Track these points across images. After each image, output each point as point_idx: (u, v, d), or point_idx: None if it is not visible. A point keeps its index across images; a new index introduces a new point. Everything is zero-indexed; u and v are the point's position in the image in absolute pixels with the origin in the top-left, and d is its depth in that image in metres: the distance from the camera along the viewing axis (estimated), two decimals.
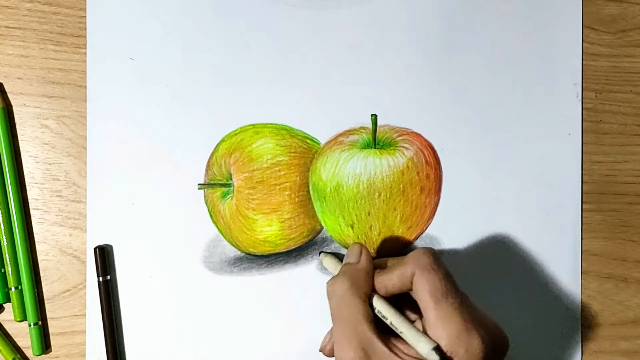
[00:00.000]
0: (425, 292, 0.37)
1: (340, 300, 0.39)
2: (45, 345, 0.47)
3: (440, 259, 0.39)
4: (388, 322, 0.39)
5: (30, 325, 0.46)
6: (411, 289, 0.39)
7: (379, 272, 0.40)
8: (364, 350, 0.37)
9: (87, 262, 0.47)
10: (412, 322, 0.39)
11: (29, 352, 0.47)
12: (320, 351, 0.43)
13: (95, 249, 0.46)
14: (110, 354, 0.46)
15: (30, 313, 0.46)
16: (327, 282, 0.41)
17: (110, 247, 0.47)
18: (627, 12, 0.50)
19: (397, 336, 0.38)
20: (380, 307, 0.39)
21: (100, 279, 0.46)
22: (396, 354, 0.36)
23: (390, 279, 0.39)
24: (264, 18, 0.48)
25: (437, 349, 0.36)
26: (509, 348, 0.39)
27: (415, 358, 0.36)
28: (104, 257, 0.46)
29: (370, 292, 0.40)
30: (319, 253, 0.47)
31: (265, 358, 0.48)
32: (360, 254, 0.42)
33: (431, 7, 0.49)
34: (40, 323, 0.46)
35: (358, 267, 0.41)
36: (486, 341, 0.36)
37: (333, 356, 0.42)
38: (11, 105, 0.47)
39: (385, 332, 0.38)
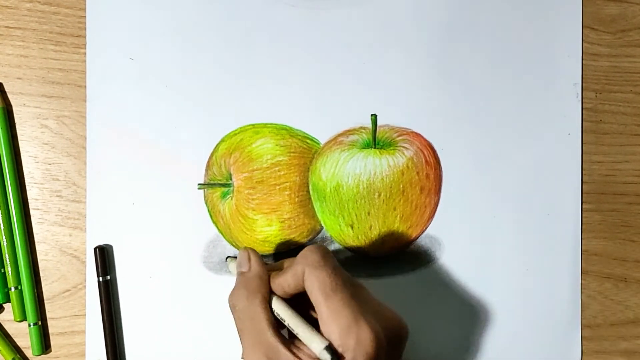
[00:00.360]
0: (315, 289, 0.37)
1: (241, 313, 0.39)
2: (45, 345, 0.47)
3: (329, 255, 0.39)
4: (286, 324, 0.39)
5: (30, 325, 0.46)
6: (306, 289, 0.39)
7: (275, 274, 0.40)
8: (269, 358, 0.37)
9: (87, 262, 0.47)
10: (315, 320, 0.39)
11: (28, 352, 0.47)
12: None
13: (95, 249, 0.46)
14: (110, 354, 0.46)
15: (30, 313, 0.46)
16: (228, 298, 0.40)
17: (110, 247, 0.47)
18: (627, 12, 0.50)
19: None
20: (278, 309, 0.39)
21: (100, 279, 0.46)
22: (299, 358, 0.36)
23: (285, 280, 0.39)
24: (264, 18, 0.48)
25: (329, 347, 0.36)
26: (409, 336, 0.39)
27: (316, 359, 0.36)
28: (104, 257, 0.46)
29: (269, 295, 0.40)
30: (226, 258, 0.47)
31: None
32: (249, 260, 0.41)
33: (431, 7, 0.49)
34: (40, 323, 0.46)
35: (250, 274, 0.40)
36: (377, 331, 0.36)
37: None
38: (11, 105, 0.47)
39: (290, 335, 0.38)
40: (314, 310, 0.39)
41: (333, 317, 0.36)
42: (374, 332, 0.36)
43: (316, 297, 0.37)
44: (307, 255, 0.39)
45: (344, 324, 0.36)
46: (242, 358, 0.39)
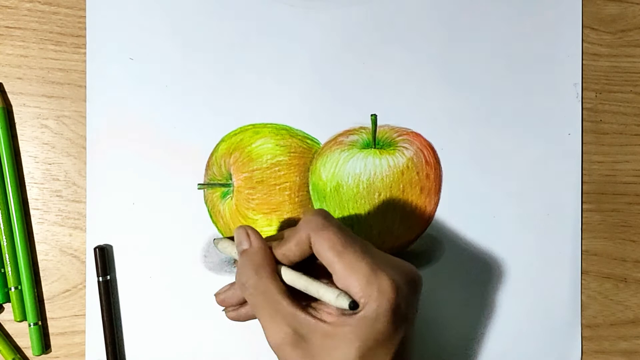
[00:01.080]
0: (325, 249, 0.37)
1: (252, 289, 0.38)
2: (45, 345, 0.47)
3: (330, 216, 0.39)
4: (301, 288, 0.38)
5: (30, 325, 0.46)
6: (311, 253, 0.39)
7: (277, 244, 0.40)
8: (290, 326, 0.37)
9: (87, 262, 0.47)
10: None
11: (28, 352, 0.47)
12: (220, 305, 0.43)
13: (95, 249, 0.46)
14: (110, 354, 0.46)
15: (30, 313, 0.46)
16: (236, 279, 0.40)
17: (110, 247, 0.47)
18: (627, 12, 0.50)
19: (317, 299, 0.38)
20: (288, 277, 0.39)
21: (100, 279, 0.46)
22: (320, 319, 0.36)
23: (289, 249, 0.39)
24: (263, 18, 0.48)
25: (345, 294, 0.36)
26: (422, 284, 0.39)
27: (337, 314, 0.37)
28: (104, 257, 0.46)
29: (276, 266, 0.39)
30: (213, 240, 0.45)
31: (265, 358, 0.48)
32: (248, 236, 0.41)
33: (431, 7, 0.49)
34: (40, 323, 0.46)
35: (253, 250, 0.40)
36: (396, 279, 0.36)
37: (221, 305, 0.43)
38: (11, 105, 0.47)
39: (305, 300, 0.38)
40: (322, 276, 0.39)
41: (349, 271, 0.36)
42: (393, 280, 0.36)
43: (328, 257, 0.37)
44: (310, 220, 0.39)
45: (362, 277, 0.36)
46: (267, 341, 0.38)
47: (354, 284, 0.36)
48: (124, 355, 0.47)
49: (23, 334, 0.47)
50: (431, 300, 0.48)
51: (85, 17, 0.47)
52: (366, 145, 0.48)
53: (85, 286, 0.47)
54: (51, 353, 0.47)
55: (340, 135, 0.48)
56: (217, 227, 0.47)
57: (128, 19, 0.47)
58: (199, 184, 0.47)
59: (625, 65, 0.50)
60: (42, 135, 0.47)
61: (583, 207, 0.50)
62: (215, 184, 0.47)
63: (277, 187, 0.47)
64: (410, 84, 0.48)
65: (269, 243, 0.40)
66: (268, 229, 0.47)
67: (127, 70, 0.47)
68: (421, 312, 0.48)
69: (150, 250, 0.47)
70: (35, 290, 0.46)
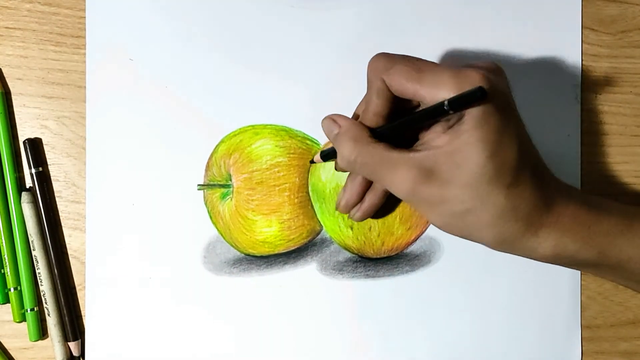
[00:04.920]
0: (403, 82, 0.37)
1: (361, 157, 0.38)
2: (42, 331, 0.47)
3: (391, 54, 0.39)
4: (404, 128, 0.39)
5: (27, 311, 0.46)
6: (395, 97, 0.39)
7: (361, 112, 0.41)
8: (414, 167, 0.36)
9: (87, 263, 0.47)
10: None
11: (28, 353, 0.47)
12: (336, 209, 0.44)
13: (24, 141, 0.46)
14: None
15: (28, 307, 0.46)
16: (339, 162, 0.40)
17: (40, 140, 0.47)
18: (627, 13, 0.50)
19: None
20: (386, 130, 0.39)
21: (33, 170, 0.46)
22: (436, 146, 0.37)
23: (374, 105, 0.39)
24: (263, 18, 0.48)
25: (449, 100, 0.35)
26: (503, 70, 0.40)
27: (447, 133, 0.36)
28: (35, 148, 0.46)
29: (370, 131, 0.39)
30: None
31: (265, 358, 0.48)
32: (335, 121, 0.41)
33: (431, 8, 0.49)
34: (36, 309, 0.46)
35: (344, 128, 0.40)
36: (479, 70, 0.36)
37: (347, 211, 0.43)
38: (10, 93, 0.47)
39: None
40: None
41: (437, 85, 0.36)
42: (479, 71, 0.36)
43: (409, 88, 0.37)
44: (375, 66, 0.39)
45: (450, 81, 0.36)
46: (397, 196, 0.38)
47: (446, 95, 0.36)
48: (123, 355, 0.47)
49: (22, 335, 0.47)
50: (430, 301, 0.48)
51: (85, 17, 0.47)
52: None
53: (85, 286, 0.47)
54: (51, 353, 0.47)
55: None
56: (216, 227, 0.48)
57: (128, 19, 0.47)
58: (198, 185, 0.47)
59: (625, 66, 0.50)
60: (42, 136, 0.47)
61: None
62: (215, 184, 0.47)
63: (277, 188, 0.47)
64: None
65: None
66: (268, 230, 0.47)
67: (127, 71, 0.47)
68: (421, 313, 0.48)
69: (150, 251, 0.47)
70: (35, 291, 0.47)
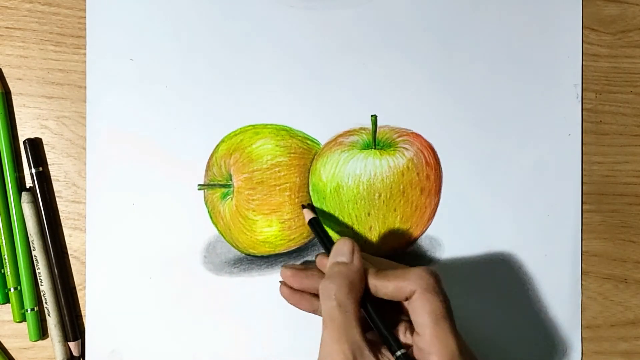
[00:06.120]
0: (425, 311, 0.38)
1: (336, 304, 0.39)
2: (42, 331, 0.47)
3: (441, 283, 0.39)
4: (374, 325, 0.39)
5: (27, 311, 0.46)
6: (401, 300, 0.39)
7: (374, 273, 0.40)
8: (351, 354, 0.37)
9: (87, 263, 0.47)
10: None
11: (27, 353, 0.47)
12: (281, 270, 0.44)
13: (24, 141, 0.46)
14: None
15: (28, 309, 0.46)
16: (321, 285, 0.40)
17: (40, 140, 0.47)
18: (627, 13, 0.50)
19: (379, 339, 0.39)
20: (371, 310, 0.40)
21: (33, 170, 0.46)
22: None
23: (385, 286, 0.39)
24: (264, 18, 0.48)
25: (406, 355, 0.38)
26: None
27: None
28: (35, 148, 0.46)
29: (363, 294, 0.40)
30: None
31: (265, 358, 0.48)
32: (353, 253, 0.41)
33: (431, 7, 0.49)
34: (36, 309, 0.46)
35: (352, 268, 0.40)
36: None
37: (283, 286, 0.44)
38: (10, 93, 0.47)
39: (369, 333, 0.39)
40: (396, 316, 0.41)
41: (439, 340, 0.37)
42: None
43: (424, 319, 0.38)
44: (423, 277, 0.39)
45: (449, 350, 0.37)
46: (321, 347, 0.39)
47: (442, 352, 0.37)
48: (123, 355, 0.47)
49: (22, 335, 0.47)
50: None
51: (85, 17, 0.47)
52: (366, 146, 0.48)
53: (85, 287, 0.47)
54: (50, 353, 0.47)
55: (340, 136, 0.48)
56: (217, 227, 0.47)
57: (128, 19, 0.47)
58: (199, 185, 0.47)
59: (625, 66, 0.50)
60: (42, 136, 0.47)
61: (583, 207, 0.50)
62: (216, 184, 0.47)
63: (277, 188, 0.47)
64: (410, 84, 0.48)
65: (364, 264, 0.41)
66: (268, 230, 0.47)
67: (127, 71, 0.47)
68: None
69: (150, 251, 0.47)
70: (35, 291, 0.46)
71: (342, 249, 0.41)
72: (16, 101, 0.47)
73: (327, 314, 0.39)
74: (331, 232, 0.48)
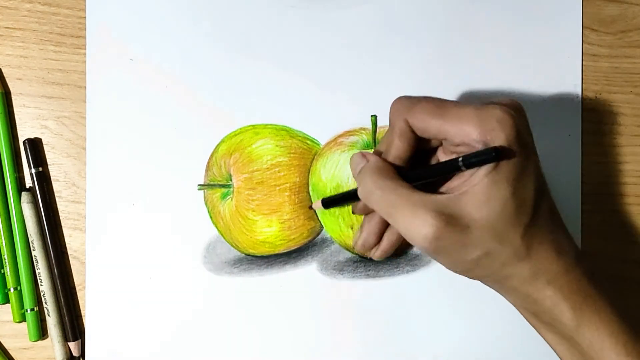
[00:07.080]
0: (427, 119, 0.37)
1: (382, 193, 0.37)
2: (42, 331, 0.47)
3: (412, 96, 0.39)
4: (427, 177, 0.39)
5: (27, 311, 0.46)
6: (417, 138, 0.39)
7: (384, 153, 0.40)
8: (434, 211, 0.35)
9: (87, 263, 0.47)
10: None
11: (26, 353, 0.47)
12: (353, 247, 0.43)
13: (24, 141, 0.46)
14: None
15: (28, 307, 0.46)
16: (360, 193, 0.39)
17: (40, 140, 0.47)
18: (627, 13, 0.50)
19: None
20: (410, 174, 0.39)
21: (33, 170, 0.46)
22: (459, 191, 0.36)
23: (396, 147, 0.39)
24: (263, 18, 0.48)
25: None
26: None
27: (469, 177, 0.36)
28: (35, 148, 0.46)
29: (395, 168, 0.39)
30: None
31: (265, 359, 0.48)
32: (364, 156, 0.40)
33: (431, 7, 0.49)
34: (36, 309, 0.46)
35: (370, 163, 0.39)
36: (503, 108, 0.36)
37: (365, 251, 0.42)
38: (10, 93, 0.47)
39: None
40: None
41: (461, 121, 0.36)
42: (503, 109, 0.36)
43: (433, 124, 0.37)
44: (397, 107, 0.39)
45: (475, 118, 0.36)
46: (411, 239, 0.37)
47: (471, 129, 0.36)
48: (123, 355, 0.47)
49: (22, 335, 0.47)
50: (431, 301, 0.48)
51: (85, 17, 0.47)
52: (366, 146, 0.48)
53: (85, 287, 0.47)
54: (50, 354, 0.47)
55: (340, 136, 0.48)
56: (217, 227, 0.47)
57: (128, 19, 0.47)
58: (199, 185, 0.47)
59: (625, 66, 0.50)
60: (42, 136, 0.47)
61: (583, 207, 0.50)
62: (215, 184, 0.47)
63: (277, 188, 0.47)
64: (410, 84, 0.48)
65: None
66: (268, 230, 0.47)
67: (127, 71, 0.47)
68: (422, 313, 0.48)
69: (150, 251, 0.47)
70: (35, 291, 0.46)
71: (355, 161, 0.41)
72: (16, 101, 0.47)
73: (383, 210, 0.38)
74: (331, 232, 0.48)
